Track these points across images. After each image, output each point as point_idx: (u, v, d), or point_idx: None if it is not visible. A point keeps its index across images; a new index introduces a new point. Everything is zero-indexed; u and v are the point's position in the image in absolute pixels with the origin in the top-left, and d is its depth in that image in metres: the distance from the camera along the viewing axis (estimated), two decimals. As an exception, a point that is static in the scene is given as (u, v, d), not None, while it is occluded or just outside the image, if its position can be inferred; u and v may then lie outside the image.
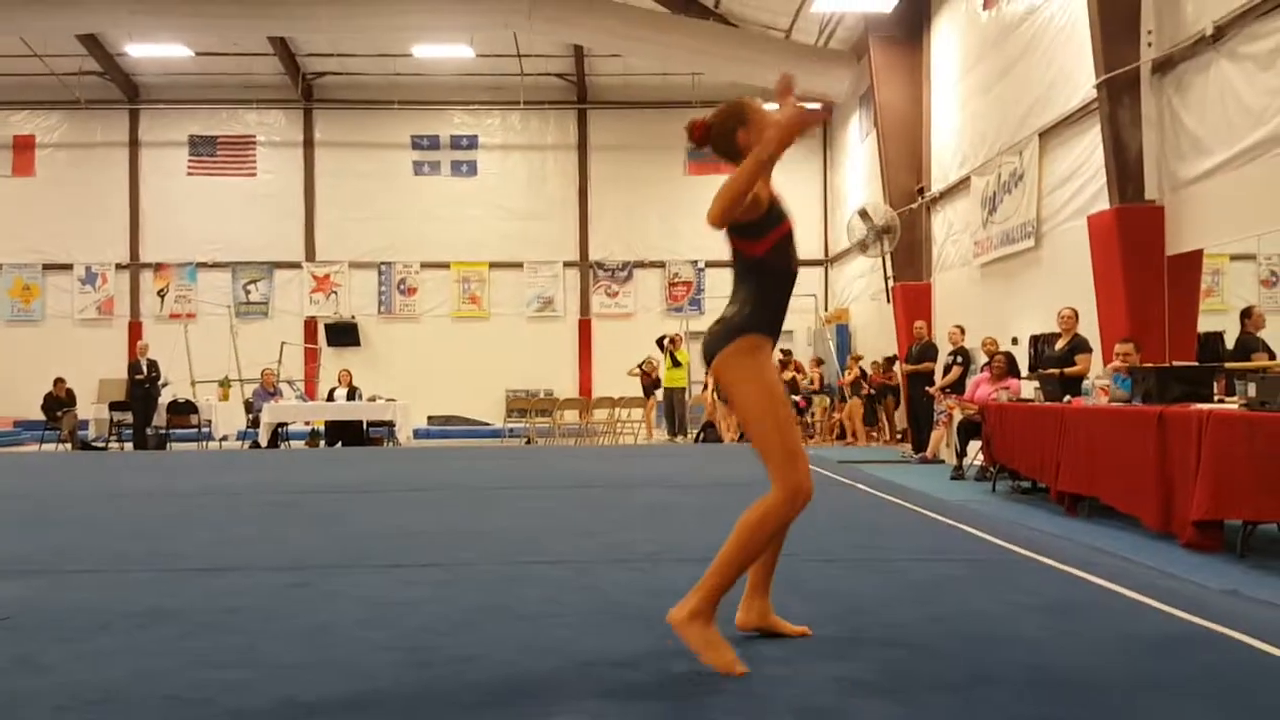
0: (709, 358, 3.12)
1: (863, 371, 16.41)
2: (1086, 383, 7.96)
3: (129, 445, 16.10)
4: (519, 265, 21.47)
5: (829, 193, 21.39)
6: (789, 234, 3.13)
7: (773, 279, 3.10)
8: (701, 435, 16.48)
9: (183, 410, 16.15)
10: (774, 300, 3.10)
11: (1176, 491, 5.57)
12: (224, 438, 16.89)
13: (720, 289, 21.16)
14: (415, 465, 11.54)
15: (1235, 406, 5.41)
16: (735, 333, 3.05)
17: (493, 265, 21.46)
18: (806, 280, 21.23)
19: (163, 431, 16.10)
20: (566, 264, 21.58)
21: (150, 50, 19.69)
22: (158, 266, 21.42)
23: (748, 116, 3.16)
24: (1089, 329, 9.33)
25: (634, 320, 21.30)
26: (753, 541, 2.96)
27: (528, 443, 17.16)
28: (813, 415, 17.26)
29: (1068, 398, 7.84)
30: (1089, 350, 9.06)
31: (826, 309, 21.12)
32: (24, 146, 21.32)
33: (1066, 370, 8.75)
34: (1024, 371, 10.52)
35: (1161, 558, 5.12)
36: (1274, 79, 7.39)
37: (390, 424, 16.06)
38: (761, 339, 3.07)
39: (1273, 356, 8.41)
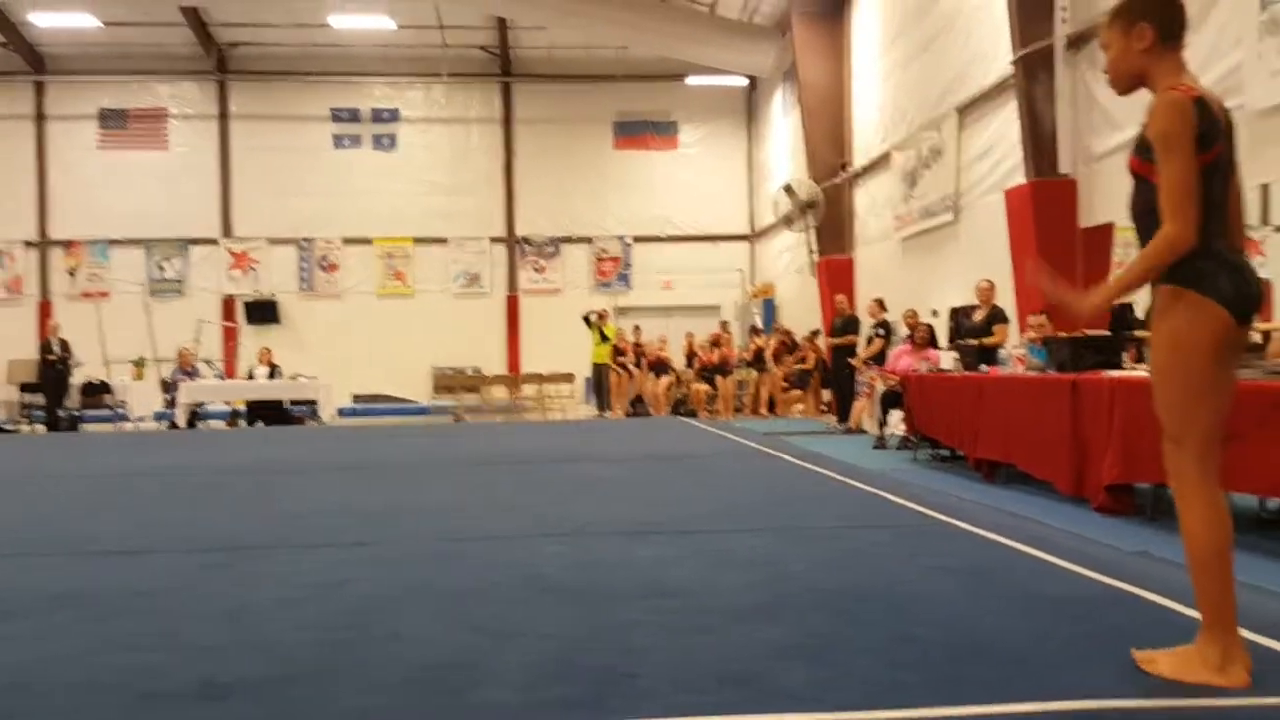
0: None
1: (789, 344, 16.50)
2: (1003, 352, 8.13)
3: (40, 427, 15.61)
4: (444, 241, 21.19)
5: (753, 168, 21.43)
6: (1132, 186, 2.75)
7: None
8: (632, 409, 16.50)
9: (96, 391, 15.72)
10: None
11: (1089, 457, 5.72)
12: (140, 419, 16.46)
13: (649, 265, 21.18)
14: (339, 444, 11.38)
15: (1145, 374, 5.57)
16: None
17: (417, 241, 21.14)
18: (733, 254, 21.39)
19: (75, 413, 15.65)
20: (493, 239, 21.36)
21: (56, 20, 18.94)
22: (68, 244, 20.69)
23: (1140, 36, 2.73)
24: (1006, 300, 9.53)
25: (562, 296, 21.19)
26: None
27: (456, 420, 17.01)
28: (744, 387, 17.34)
29: (984, 367, 8.00)
30: (1006, 321, 9.26)
31: (753, 283, 21.25)
32: (-79, 119, 20.39)
33: (984, 340, 8.93)
34: (944, 343, 10.70)
35: (1075, 521, 5.25)
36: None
37: (313, 403, 15.82)
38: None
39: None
